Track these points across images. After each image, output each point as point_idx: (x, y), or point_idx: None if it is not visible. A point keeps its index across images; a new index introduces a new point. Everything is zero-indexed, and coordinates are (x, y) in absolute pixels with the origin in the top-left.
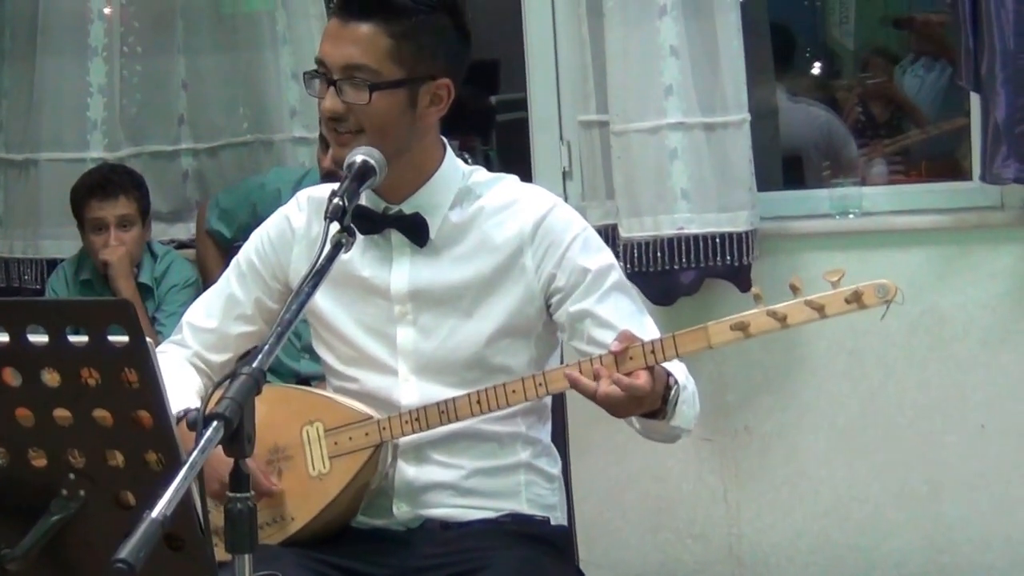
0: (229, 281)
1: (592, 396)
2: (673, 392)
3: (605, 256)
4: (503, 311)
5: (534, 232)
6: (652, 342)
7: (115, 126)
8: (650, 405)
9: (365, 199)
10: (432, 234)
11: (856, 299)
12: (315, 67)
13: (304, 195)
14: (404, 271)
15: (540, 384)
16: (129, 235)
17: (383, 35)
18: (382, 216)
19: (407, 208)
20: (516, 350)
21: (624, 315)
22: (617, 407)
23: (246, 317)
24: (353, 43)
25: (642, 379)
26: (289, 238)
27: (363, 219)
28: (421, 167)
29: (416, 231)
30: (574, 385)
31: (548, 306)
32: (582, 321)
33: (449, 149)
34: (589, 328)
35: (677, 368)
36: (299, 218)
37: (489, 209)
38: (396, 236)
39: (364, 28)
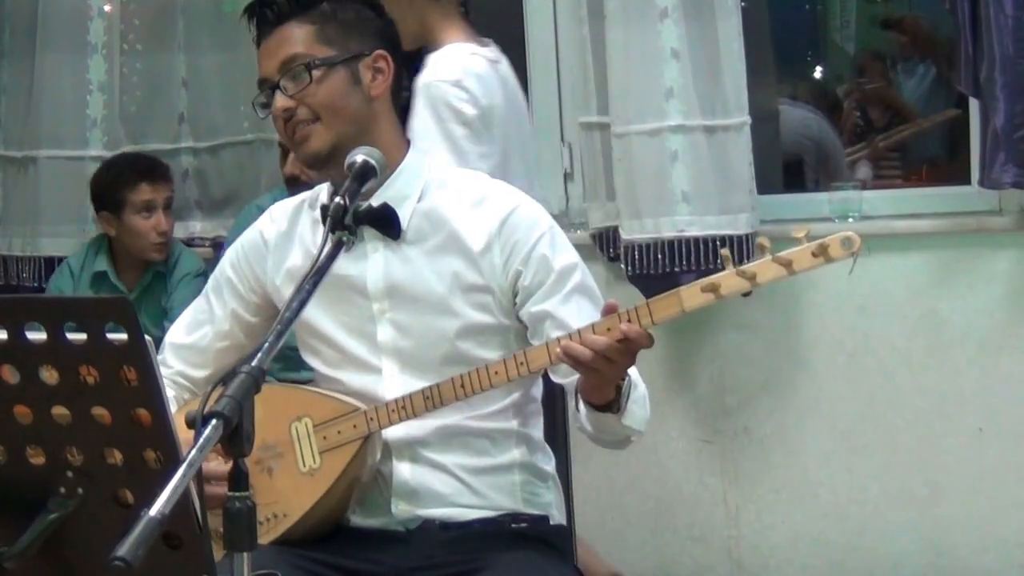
0: (207, 297)
1: (582, 360)
2: (626, 383)
3: (570, 256)
4: (473, 308)
5: (500, 229)
6: (628, 311)
7: (115, 124)
8: (601, 396)
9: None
10: (403, 225)
11: (822, 252)
12: (261, 96)
13: (277, 207)
14: (379, 266)
15: (522, 363)
16: (170, 219)
17: (303, 25)
18: (354, 213)
19: (375, 201)
20: (493, 345)
21: (584, 318)
22: (593, 370)
23: (224, 331)
24: (280, 45)
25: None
26: (262, 250)
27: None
28: (386, 158)
29: (387, 224)
30: (566, 352)
31: (515, 303)
32: (543, 322)
33: (413, 142)
34: (549, 330)
35: (631, 370)
36: (271, 229)
37: (459, 205)
38: (368, 231)
39: (285, 29)
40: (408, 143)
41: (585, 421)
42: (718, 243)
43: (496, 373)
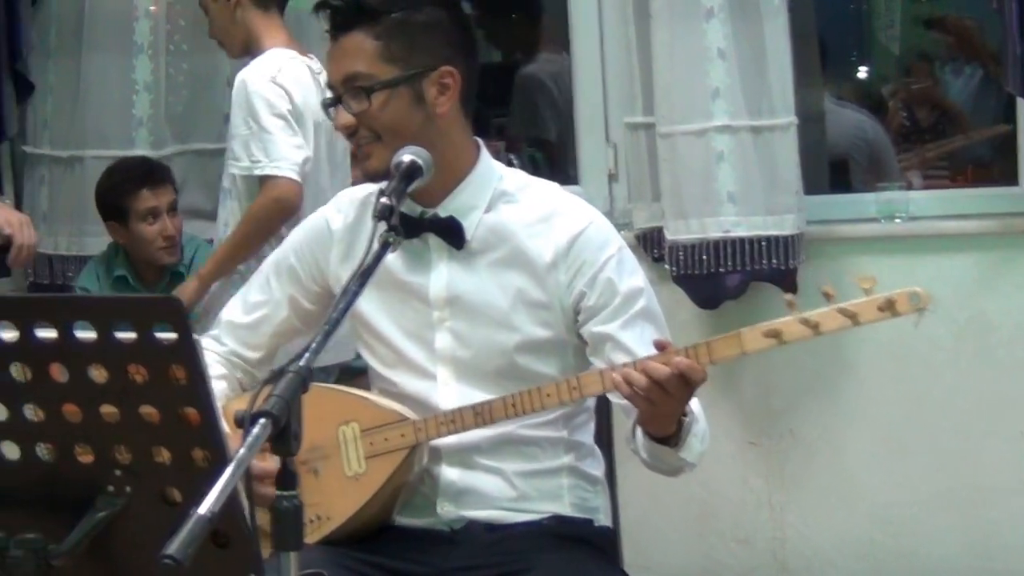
0: (267, 278)
1: (638, 388)
2: (688, 419)
3: (636, 280)
4: (535, 323)
5: (568, 248)
6: (686, 348)
7: (160, 123)
8: (660, 428)
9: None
10: (468, 236)
11: (889, 307)
12: (328, 98)
13: (344, 196)
14: (442, 276)
15: (575, 387)
16: (176, 221)
17: (369, 39)
18: (418, 220)
19: (442, 211)
20: (550, 361)
21: (646, 344)
22: (649, 402)
23: (280, 316)
24: (344, 56)
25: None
26: (327, 240)
27: (400, 223)
28: (454, 168)
29: (452, 234)
30: (623, 379)
31: (577, 321)
32: (604, 344)
33: (484, 150)
34: (609, 352)
35: (692, 404)
36: (337, 219)
37: (526, 219)
38: (433, 239)
39: (351, 38)
40: (479, 151)
41: (641, 449)
42: (763, 244)
43: (548, 396)
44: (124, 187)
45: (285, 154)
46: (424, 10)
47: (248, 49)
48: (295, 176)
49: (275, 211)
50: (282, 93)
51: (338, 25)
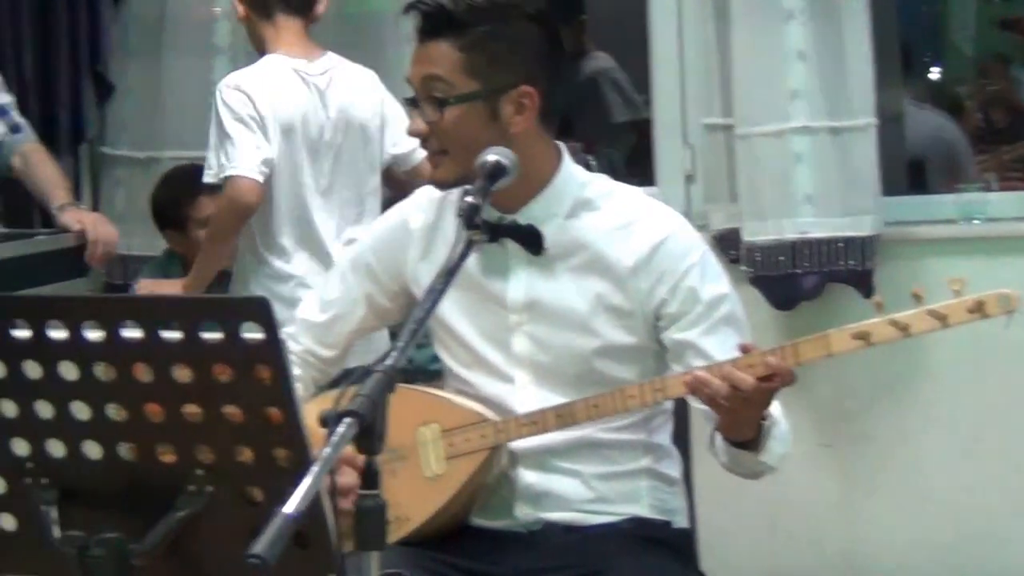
0: (343, 276)
1: (718, 395)
2: (767, 423)
3: (719, 286)
4: (615, 329)
5: (651, 257)
6: (773, 349)
7: None
8: (740, 433)
9: None
10: (547, 244)
11: (979, 309)
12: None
13: (423, 195)
14: (521, 281)
15: (658, 389)
16: None
17: (454, 49)
18: (497, 225)
19: (521, 219)
20: (630, 366)
21: (728, 350)
22: (728, 409)
23: (357, 314)
24: (428, 60)
25: (749, 378)
26: (406, 238)
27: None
28: (532, 177)
29: (531, 241)
30: (701, 384)
31: (657, 327)
32: (685, 351)
33: (566, 156)
34: (691, 359)
35: (773, 407)
36: (416, 218)
37: (607, 225)
38: (512, 245)
39: (436, 46)
40: (559, 160)
41: (720, 453)
42: (840, 245)
43: (631, 397)
44: (183, 195)
45: (243, 154)
46: (513, 24)
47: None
48: (251, 174)
49: (229, 210)
50: (244, 99)
51: (425, 30)
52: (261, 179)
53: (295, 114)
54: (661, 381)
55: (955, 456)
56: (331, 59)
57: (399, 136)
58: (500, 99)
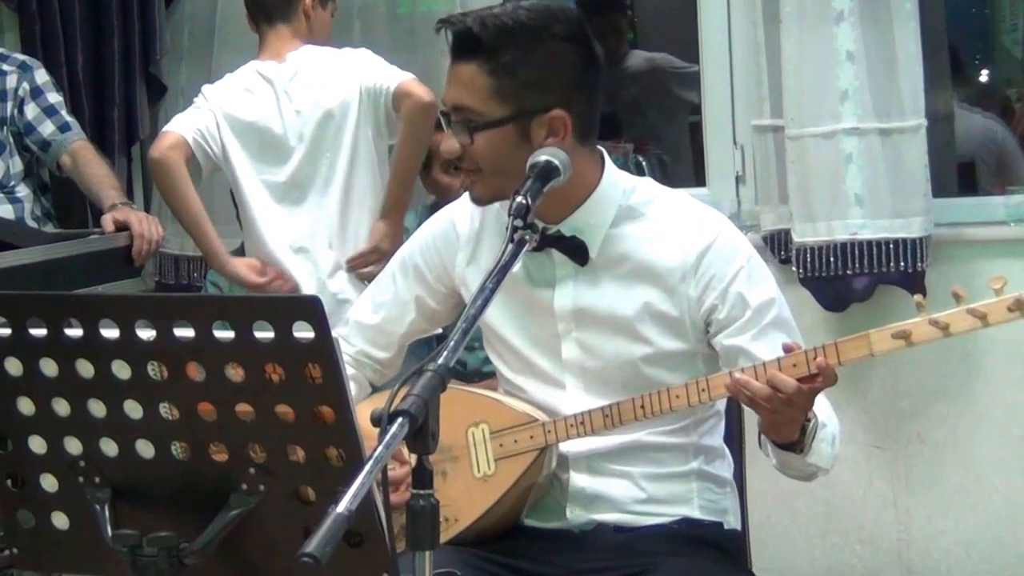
0: (393, 278)
1: (759, 396)
2: (811, 424)
3: (767, 290)
4: (663, 335)
5: (698, 262)
6: (815, 349)
7: None
8: (782, 435)
9: None
10: (592, 254)
11: (1019, 307)
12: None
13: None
14: (568, 290)
15: (703, 389)
16: None
17: (483, 74)
18: (542, 235)
19: (565, 230)
20: (680, 372)
21: (778, 354)
22: (769, 410)
23: (408, 316)
24: (458, 84)
25: (791, 380)
26: (454, 242)
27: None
28: (574, 190)
29: (576, 252)
30: (742, 385)
31: (707, 332)
32: (736, 356)
33: (609, 164)
34: (742, 364)
35: (821, 407)
36: (464, 222)
37: (652, 233)
38: (558, 255)
39: (466, 68)
40: (602, 170)
41: (771, 455)
42: (891, 246)
43: (677, 397)
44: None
45: (179, 120)
46: (545, 46)
47: None
48: (176, 130)
49: (152, 163)
50: (200, 101)
51: (455, 51)
52: (188, 139)
53: (249, 114)
54: (706, 381)
55: (1008, 455)
56: (303, 55)
57: (374, 80)
58: (531, 123)
